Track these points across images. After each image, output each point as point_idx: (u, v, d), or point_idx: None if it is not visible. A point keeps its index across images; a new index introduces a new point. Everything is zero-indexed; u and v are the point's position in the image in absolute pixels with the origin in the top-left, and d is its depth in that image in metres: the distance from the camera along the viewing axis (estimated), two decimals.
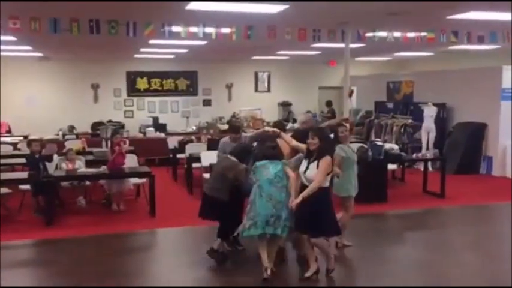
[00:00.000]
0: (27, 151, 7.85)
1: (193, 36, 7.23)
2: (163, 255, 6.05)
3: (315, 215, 4.66)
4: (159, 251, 6.32)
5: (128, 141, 9.43)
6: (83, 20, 6.52)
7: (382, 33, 8.01)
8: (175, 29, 7.00)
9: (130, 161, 8.24)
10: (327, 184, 4.76)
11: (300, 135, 5.81)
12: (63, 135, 12.18)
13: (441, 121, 11.55)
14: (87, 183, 8.01)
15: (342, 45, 8.08)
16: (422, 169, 9.36)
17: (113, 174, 7.51)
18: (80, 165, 7.92)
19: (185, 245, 6.45)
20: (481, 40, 8.22)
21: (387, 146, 9.10)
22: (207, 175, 8.28)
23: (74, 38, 7.45)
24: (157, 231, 6.93)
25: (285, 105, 16.64)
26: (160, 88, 15.50)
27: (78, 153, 8.80)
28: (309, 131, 5.00)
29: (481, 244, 6.27)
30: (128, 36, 6.74)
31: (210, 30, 7.14)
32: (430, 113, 11.34)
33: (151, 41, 9.70)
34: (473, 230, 6.93)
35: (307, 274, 4.88)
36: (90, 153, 9.13)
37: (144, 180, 8.00)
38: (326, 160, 4.64)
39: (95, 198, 8.29)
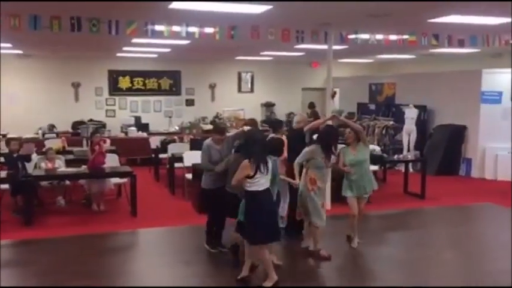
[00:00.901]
0: (6, 150, 7.72)
1: (177, 35, 7.18)
2: (145, 256, 6.01)
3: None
4: (140, 251, 6.27)
5: (108, 141, 9.33)
6: (64, 17, 6.43)
7: (365, 36, 8.06)
8: (158, 28, 6.94)
9: (111, 161, 8.17)
10: (251, 188, 4.60)
11: (295, 134, 5.86)
12: (43, 134, 12.00)
13: (422, 123, 11.70)
14: (67, 182, 7.91)
15: (325, 46, 8.12)
16: (403, 170, 9.46)
17: (93, 174, 7.43)
18: (60, 165, 7.82)
19: (167, 245, 6.40)
20: (461, 44, 8.34)
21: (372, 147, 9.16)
22: (189, 175, 8.25)
23: (54, 35, 7.33)
24: (138, 231, 6.87)
25: (268, 105, 16.64)
26: (143, 87, 15.36)
27: (58, 152, 8.68)
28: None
29: (460, 244, 6.37)
30: (110, 34, 6.65)
31: (193, 29, 7.09)
32: (411, 115, 11.48)
33: (134, 40, 9.60)
34: (453, 230, 7.03)
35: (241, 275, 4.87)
36: (71, 152, 9.02)
37: (125, 180, 7.93)
38: (243, 163, 4.59)
39: (75, 198, 8.19)
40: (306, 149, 5.56)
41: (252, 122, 6.69)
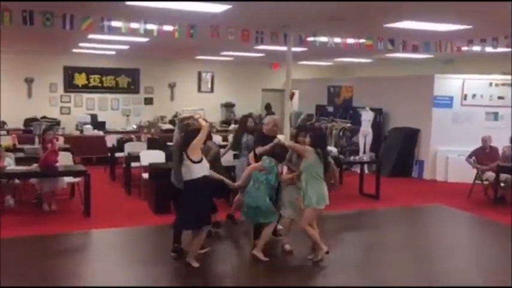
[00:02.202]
0: None
1: (134, 32, 7.06)
2: (98, 257, 5.85)
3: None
4: (93, 253, 6.09)
5: (61, 139, 9.05)
6: (16, 10, 6.19)
7: (323, 38, 8.19)
8: (115, 24, 6.80)
9: (65, 159, 7.92)
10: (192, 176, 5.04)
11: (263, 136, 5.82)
12: None
13: (377, 125, 11.98)
14: (17, 181, 7.61)
15: (284, 48, 8.20)
16: (359, 171, 9.65)
17: (45, 173, 7.19)
18: (10, 163, 7.50)
19: (121, 246, 6.27)
20: (415, 49, 8.60)
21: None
22: (146, 175, 8.12)
23: (5, 28, 7.07)
24: (91, 232, 6.69)
25: (228, 106, 16.64)
26: (99, 85, 15.02)
27: (8, 150, 8.34)
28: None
29: (412, 244, 6.56)
30: (64, 29, 6.45)
31: (151, 27, 6.99)
32: (367, 117, 11.74)
33: (91, 36, 9.37)
34: (405, 231, 7.24)
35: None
36: (21, 150, 8.70)
37: (78, 179, 7.71)
38: None
39: (25, 198, 7.89)
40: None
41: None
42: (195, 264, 5.19)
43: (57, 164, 7.37)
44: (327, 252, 5.48)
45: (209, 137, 5.89)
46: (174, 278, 5.11)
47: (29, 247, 5.88)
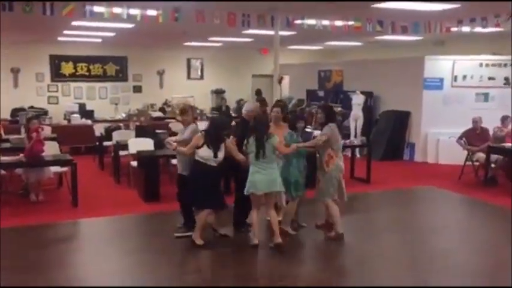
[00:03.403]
0: None
1: (117, 18, 6.90)
2: (87, 246, 5.75)
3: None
4: (82, 242, 6.00)
5: (48, 128, 8.89)
6: None
7: (311, 21, 8.06)
8: (97, 9, 6.64)
9: (51, 149, 7.79)
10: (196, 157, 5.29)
11: (244, 122, 5.75)
12: None
13: (368, 109, 11.91)
14: (3, 172, 7.47)
15: (273, 32, 8.08)
16: (350, 156, 9.59)
17: (31, 163, 7.06)
18: None
19: (110, 235, 6.17)
20: (404, 30, 8.52)
21: (316, 133, 9.21)
22: (134, 163, 8.02)
23: None
24: (79, 221, 6.60)
25: (218, 92, 16.50)
26: (87, 73, 14.82)
27: None
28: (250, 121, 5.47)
29: (404, 226, 6.52)
30: (45, 15, 6.30)
31: (134, 12, 6.84)
32: (357, 101, 11.66)
33: (74, 23, 9.17)
34: (397, 213, 7.20)
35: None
36: (7, 140, 8.54)
37: (65, 169, 7.59)
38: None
39: (11, 188, 7.76)
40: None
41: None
42: (199, 242, 5.37)
43: (43, 154, 7.25)
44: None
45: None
46: (167, 266, 5.04)
47: (15, 238, 5.78)
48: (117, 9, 6.69)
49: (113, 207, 7.24)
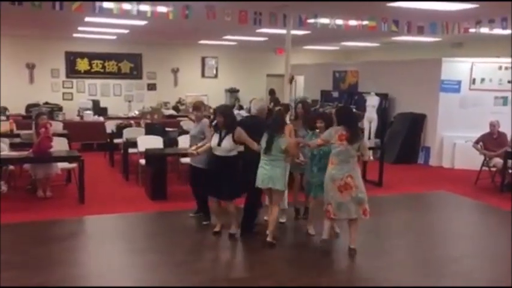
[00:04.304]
0: None
1: (128, 14, 6.84)
2: (91, 244, 5.67)
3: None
4: (86, 239, 5.90)
5: (53, 124, 8.87)
6: None
7: (325, 20, 7.90)
8: (107, 5, 6.58)
9: (60, 145, 7.79)
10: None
11: (256, 121, 5.76)
12: None
13: (383, 111, 11.70)
14: (11, 167, 7.49)
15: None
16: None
17: (38, 159, 7.06)
18: (4, 148, 7.39)
19: (115, 233, 6.09)
20: (420, 30, 8.28)
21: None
22: (143, 161, 7.97)
23: (4, 13, 6.89)
24: (85, 218, 6.56)
25: (233, 91, 16.41)
26: (102, 70, 14.85)
27: (6, 135, 8.24)
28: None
29: (415, 232, 6.34)
30: (54, 10, 6.25)
31: (145, 8, 6.77)
32: (372, 102, 11.46)
33: (88, 19, 9.17)
34: (407, 218, 7.01)
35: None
36: (18, 135, 8.58)
37: (74, 165, 7.56)
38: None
39: (19, 184, 7.78)
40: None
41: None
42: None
43: (52, 150, 7.25)
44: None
45: None
46: (172, 265, 4.95)
47: (17, 233, 5.76)
48: (126, 6, 6.61)
49: (119, 204, 7.19)
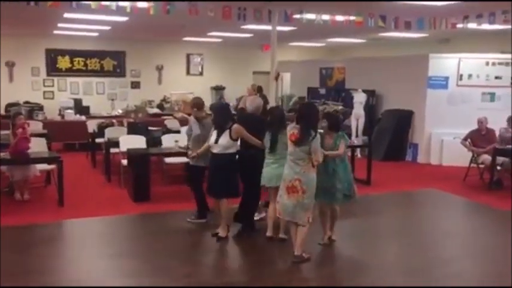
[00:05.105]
0: None
1: (106, 9, 6.59)
2: (69, 249, 5.47)
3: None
4: (64, 245, 5.69)
5: (31, 124, 8.60)
6: None
7: (311, 15, 7.73)
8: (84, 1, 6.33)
9: (38, 146, 7.51)
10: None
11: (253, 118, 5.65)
12: None
13: (370, 108, 11.58)
14: None
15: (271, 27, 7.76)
16: (350, 155, 9.25)
17: (15, 160, 6.78)
18: None
19: (95, 236, 5.87)
20: (408, 26, 8.16)
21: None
22: (125, 161, 7.73)
23: None
24: (63, 222, 6.31)
25: (218, 89, 16.18)
26: (84, 68, 14.52)
27: None
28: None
29: (404, 231, 6.21)
30: (29, 5, 5.99)
31: (124, 4, 6.53)
32: (359, 99, 11.33)
33: (67, 15, 8.88)
34: (397, 217, 6.89)
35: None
36: None
37: (53, 166, 7.30)
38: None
39: None
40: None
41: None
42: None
43: (30, 151, 6.98)
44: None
45: None
46: (150, 272, 4.75)
47: None
48: (105, 1, 6.36)
49: (101, 207, 6.95)
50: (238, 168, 5.48)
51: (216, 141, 5.34)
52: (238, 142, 5.47)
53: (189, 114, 6.32)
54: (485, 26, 8.52)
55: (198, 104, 6.11)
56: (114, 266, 4.90)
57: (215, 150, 5.38)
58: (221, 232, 5.51)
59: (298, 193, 4.72)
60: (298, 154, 4.73)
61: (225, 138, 5.30)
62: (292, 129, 4.82)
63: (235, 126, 5.33)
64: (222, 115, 5.44)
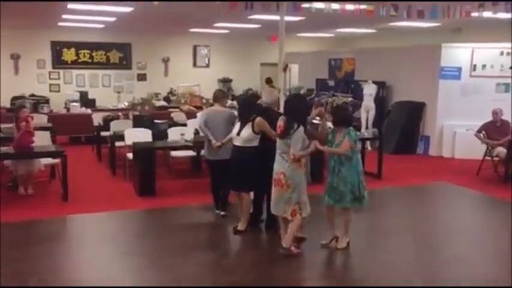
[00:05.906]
0: None
1: None
2: (72, 246, 5.31)
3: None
4: (67, 241, 5.53)
5: (35, 117, 8.44)
6: None
7: (320, 4, 7.48)
8: None
9: (42, 139, 7.37)
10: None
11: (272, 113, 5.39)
12: None
13: (380, 100, 11.33)
14: None
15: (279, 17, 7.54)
16: (360, 148, 9.04)
17: (19, 154, 6.65)
18: None
19: (99, 233, 5.71)
20: (420, 15, 7.86)
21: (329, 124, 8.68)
22: (130, 155, 7.59)
23: None
24: (67, 217, 6.18)
25: (225, 81, 15.98)
26: (89, 60, 14.37)
27: None
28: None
29: (416, 226, 6.02)
30: None
31: None
32: (369, 91, 11.10)
33: (70, 6, 8.70)
34: (408, 212, 6.71)
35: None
36: None
37: (58, 160, 7.14)
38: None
39: (0, 181, 7.37)
40: None
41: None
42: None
43: (34, 145, 6.84)
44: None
45: None
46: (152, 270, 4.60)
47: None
48: None
49: (104, 202, 6.82)
50: (259, 162, 5.28)
51: (238, 133, 5.28)
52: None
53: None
54: (500, 15, 8.23)
55: (218, 95, 6.01)
56: (120, 265, 4.76)
57: (237, 143, 5.31)
58: (240, 225, 5.42)
59: (283, 187, 4.64)
60: (282, 147, 4.66)
61: (247, 131, 5.22)
62: (279, 121, 4.71)
63: (258, 119, 5.20)
64: (246, 108, 5.39)
